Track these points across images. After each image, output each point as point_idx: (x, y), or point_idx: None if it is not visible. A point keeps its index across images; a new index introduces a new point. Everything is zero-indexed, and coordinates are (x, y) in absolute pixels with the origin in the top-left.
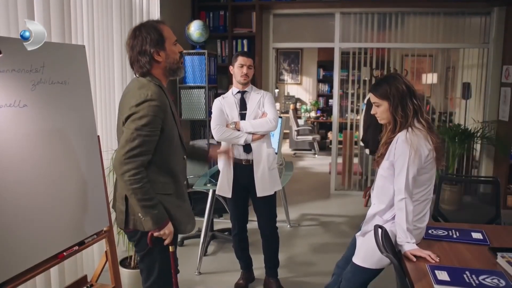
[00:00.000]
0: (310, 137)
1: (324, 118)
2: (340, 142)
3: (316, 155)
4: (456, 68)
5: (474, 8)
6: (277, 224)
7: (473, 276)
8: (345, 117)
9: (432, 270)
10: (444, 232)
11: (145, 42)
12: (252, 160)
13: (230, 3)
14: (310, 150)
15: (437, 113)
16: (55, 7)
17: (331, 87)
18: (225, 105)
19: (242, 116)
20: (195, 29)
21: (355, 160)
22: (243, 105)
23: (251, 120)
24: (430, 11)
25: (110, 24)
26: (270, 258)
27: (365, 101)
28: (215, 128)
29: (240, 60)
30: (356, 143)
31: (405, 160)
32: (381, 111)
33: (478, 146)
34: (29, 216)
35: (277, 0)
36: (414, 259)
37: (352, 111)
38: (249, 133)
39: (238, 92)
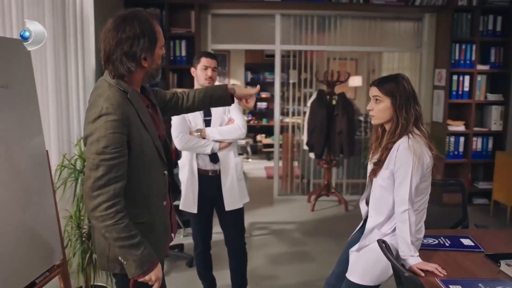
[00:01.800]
0: (243, 141)
1: (256, 122)
2: (272, 146)
3: (250, 159)
4: (379, 71)
5: (407, 13)
6: None
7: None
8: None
9: (446, 285)
10: (434, 241)
11: (137, 42)
12: (220, 171)
13: (166, 0)
14: (242, 154)
15: (363, 115)
16: None
17: (261, 90)
18: None
19: (207, 123)
20: None
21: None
22: (207, 111)
23: (218, 127)
24: (368, 15)
25: (42, 21)
26: (238, 276)
27: (308, 104)
28: (178, 136)
29: (204, 61)
30: (299, 145)
31: (408, 168)
32: (381, 108)
33: None
34: None
35: None
36: (423, 274)
37: (283, 113)
38: (216, 141)
39: None
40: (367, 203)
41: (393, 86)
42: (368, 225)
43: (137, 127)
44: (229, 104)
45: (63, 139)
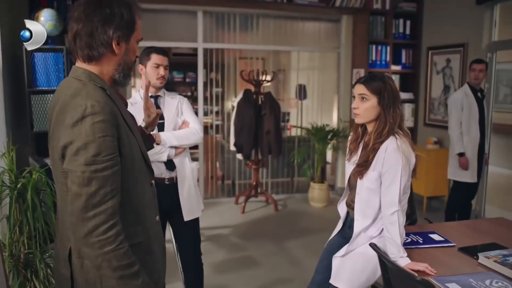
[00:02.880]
0: None
1: None
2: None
3: None
4: (288, 70)
5: (327, 14)
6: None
7: (479, 282)
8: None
9: (443, 284)
10: (407, 239)
11: (111, 20)
12: (176, 178)
13: None
14: None
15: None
16: None
17: (169, 89)
18: (135, 113)
19: (160, 127)
20: (46, 19)
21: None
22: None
23: (174, 132)
24: (290, 15)
25: None
26: None
27: (235, 104)
28: None
29: (155, 58)
30: (221, 146)
31: (397, 169)
32: (367, 107)
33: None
34: None
35: None
36: (416, 275)
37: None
38: (172, 146)
39: (150, 97)
40: (347, 205)
41: (380, 84)
42: (356, 229)
43: (125, 129)
44: (152, 146)
45: None
